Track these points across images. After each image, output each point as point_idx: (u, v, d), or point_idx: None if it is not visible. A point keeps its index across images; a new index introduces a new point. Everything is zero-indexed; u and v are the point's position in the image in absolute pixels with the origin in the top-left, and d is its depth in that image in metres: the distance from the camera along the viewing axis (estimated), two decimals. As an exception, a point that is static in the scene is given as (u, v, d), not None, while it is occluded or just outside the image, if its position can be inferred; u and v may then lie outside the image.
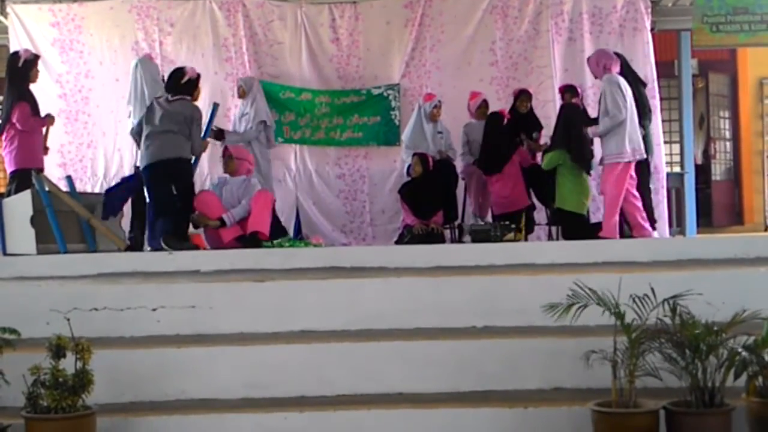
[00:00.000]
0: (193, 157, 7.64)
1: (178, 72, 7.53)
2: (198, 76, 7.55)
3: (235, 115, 9.15)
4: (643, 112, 7.98)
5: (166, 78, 7.76)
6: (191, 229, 7.66)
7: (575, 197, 8.11)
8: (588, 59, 8.14)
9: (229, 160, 7.80)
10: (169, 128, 7.25)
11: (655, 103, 9.35)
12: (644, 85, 8.42)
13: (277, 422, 5.15)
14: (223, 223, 7.40)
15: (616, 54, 8.08)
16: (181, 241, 7.13)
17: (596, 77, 7.98)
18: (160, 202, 7.37)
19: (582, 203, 8.19)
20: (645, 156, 7.71)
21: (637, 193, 7.78)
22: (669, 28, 10.11)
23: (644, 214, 7.78)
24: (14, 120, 7.63)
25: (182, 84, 7.44)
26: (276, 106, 9.40)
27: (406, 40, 9.56)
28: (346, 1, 9.57)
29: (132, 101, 8.25)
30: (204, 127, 7.82)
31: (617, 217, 7.66)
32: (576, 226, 7.98)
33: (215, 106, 8.31)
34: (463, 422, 5.11)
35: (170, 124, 7.26)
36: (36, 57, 8.05)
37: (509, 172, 8.47)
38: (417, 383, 5.39)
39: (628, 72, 8.01)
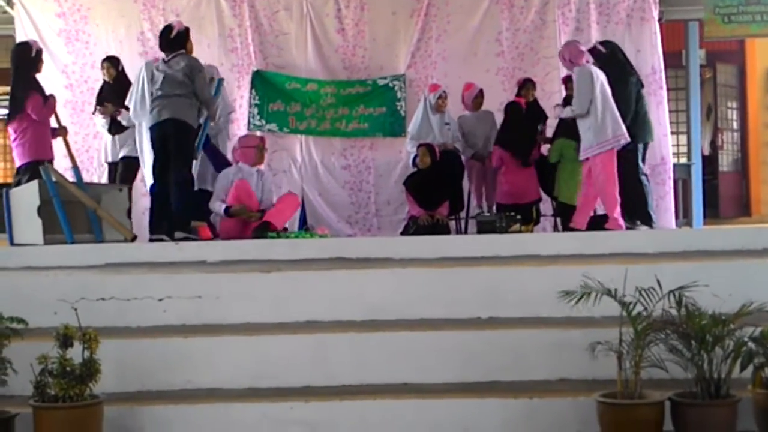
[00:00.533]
0: (205, 115, 7.62)
1: (167, 29, 7.54)
2: (187, 29, 7.53)
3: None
4: (628, 102, 7.86)
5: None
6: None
7: (572, 189, 8.09)
8: (559, 55, 8.11)
9: (261, 151, 7.81)
10: (172, 92, 7.26)
11: (662, 94, 9.34)
12: (636, 76, 8.28)
13: (283, 412, 5.17)
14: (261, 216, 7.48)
15: (607, 43, 8.12)
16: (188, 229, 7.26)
17: (569, 71, 7.94)
18: (161, 163, 7.40)
19: (576, 195, 8.17)
20: (628, 140, 7.59)
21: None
22: (677, 18, 10.07)
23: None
24: (29, 111, 7.64)
25: (173, 39, 7.43)
26: (281, 97, 9.40)
27: (411, 31, 9.53)
28: (352, -8, 9.57)
29: (132, 101, 8.21)
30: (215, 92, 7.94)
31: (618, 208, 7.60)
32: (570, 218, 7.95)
33: (220, 81, 8.29)
34: (469, 413, 5.13)
35: (173, 87, 7.26)
36: (41, 48, 8.08)
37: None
38: (422, 374, 5.40)
39: (614, 61, 7.97)
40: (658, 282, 4.86)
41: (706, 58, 12.64)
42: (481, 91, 8.90)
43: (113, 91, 8.56)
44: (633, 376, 4.74)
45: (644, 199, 7.95)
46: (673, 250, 6.14)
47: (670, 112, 9.67)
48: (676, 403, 4.74)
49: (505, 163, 8.53)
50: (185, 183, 7.37)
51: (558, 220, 8.75)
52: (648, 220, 7.94)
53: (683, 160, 10.78)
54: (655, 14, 9.47)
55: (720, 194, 13.24)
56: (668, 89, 9.62)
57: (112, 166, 8.64)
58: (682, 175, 9.83)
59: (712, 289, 5.09)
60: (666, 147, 9.37)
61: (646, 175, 8.17)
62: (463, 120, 8.95)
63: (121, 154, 8.53)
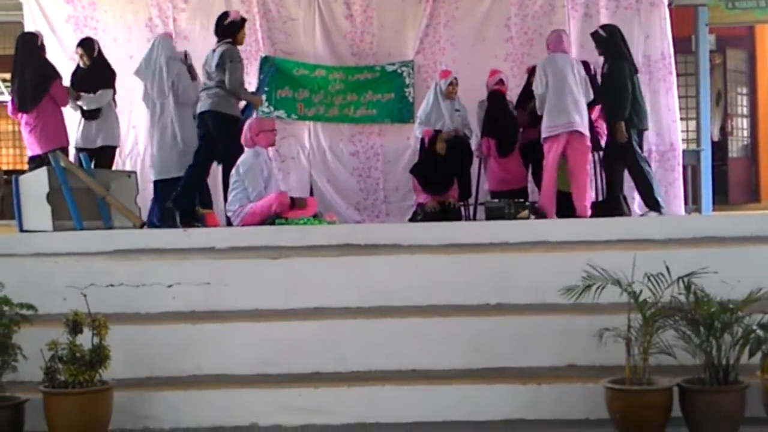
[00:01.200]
0: (243, 105, 7.85)
1: (223, 16, 7.74)
2: (243, 19, 7.75)
3: None
4: (624, 87, 7.84)
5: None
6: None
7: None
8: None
9: (274, 134, 7.82)
10: (207, 83, 7.59)
11: (671, 79, 9.28)
12: (629, 61, 8.27)
13: (292, 398, 5.20)
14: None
15: (607, 26, 8.18)
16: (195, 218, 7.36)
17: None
18: (204, 151, 7.64)
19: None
20: (578, 129, 7.67)
21: (589, 169, 7.84)
22: (686, 3, 10.01)
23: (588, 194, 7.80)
24: (53, 93, 7.76)
25: (225, 26, 7.64)
26: (290, 83, 9.37)
27: (420, 17, 9.48)
28: (360, -22, 9.53)
29: (143, 72, 8.21)
30: (258, 84, 8.17)
31: (550, 193, 7.74)
32: (563, 205, 7.93)
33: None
34: (477, 399, 5.14)
35: (210, 77, 7.55)
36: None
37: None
38: (431, 360, 5.41)
39: (611, 45, 7.97)
40: (667, 268, 4.86)
41: (716, 43, 12.56)
42: (501, 80, 8.83)
43: (88, 76, 8.43)
44: (641, 362, 4.74)
45: (650, 186, 7.94)
46: (682, 237, 6.13)
47: (679, 97, 9.59)
48: (684, 389, 4.74)
49: (492, 151, 8.57)
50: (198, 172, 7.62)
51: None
52: (656, 206, 7.92)
53: (692, 146, 10.72)
54: (665, -1, 9.42)
55: (729, 180, 13.19)
56: (678, 75, 9.55)
57: (83, 153, 8.11)
58: (691, 161, 9.77)
59: (721, 276, 5.09)
60: (675, 133, 9.31)
61: (647, 162, 8.16)
62: (484, 106, 8.92)
63: (99, 143, 8.39)
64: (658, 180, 9.13)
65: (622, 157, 7.91)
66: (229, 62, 7.46)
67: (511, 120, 8.53)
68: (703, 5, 9.88)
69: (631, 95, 7.89)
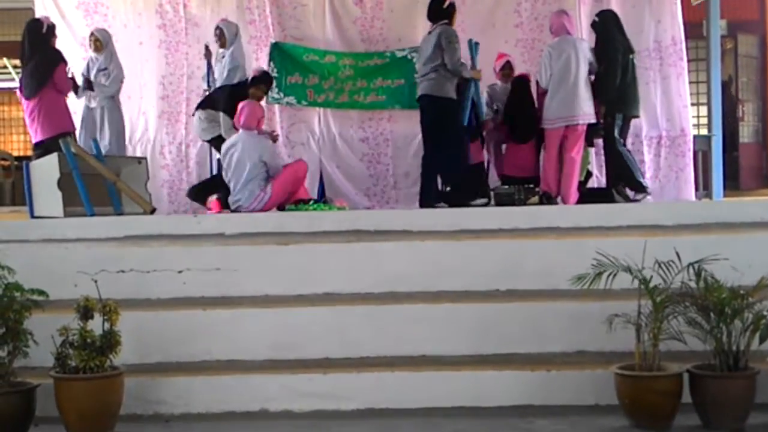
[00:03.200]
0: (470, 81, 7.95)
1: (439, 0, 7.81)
2: (454, 3, 7.84)
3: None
4: (614, 75, 7.79)
5: None
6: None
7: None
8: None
9: None
10: (424, 69, 7.67)
11: (682, 65, 9.25)
12: (625, 48, 8.23)
13: (302, 383, 5.21)
14: None
15: (602, 12, 8.15)
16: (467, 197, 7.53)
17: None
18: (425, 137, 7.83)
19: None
20: (579, 122, 7.67)
21: (577, 152, 7.79)
22: (697, -13, 9.97)
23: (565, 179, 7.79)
24: (56, 80, 7.71)
25: (443, 9, 7.76)
26: (300, 70, 9.36)
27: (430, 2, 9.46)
28: (371, -37, 9.49)
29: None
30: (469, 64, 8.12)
31: (552, 183, 7.76)
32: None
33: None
34: (486, 384, 5.15)
35: (426, 62, 7.64)
36: (53, 24, 8.13)
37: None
38: (440, 346, 5.42)
39: (603, 32, 7.94)
40: (677, 254, 4.85)
41: (727, 28, 12.47)
42: (508, 62, 8.79)
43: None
44: (651, 348, 4.74)
45: (629, 170, 7.92)
46: (692, 223, 6.11)
47: (690, 83, 9.57)
48: (694, 375, 4.74)
49: (509, 136, 8.58)
50: (453, 155, 7.66)
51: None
52: (641, 188, 7.93)
53: (703, 131, 10.67)
54: (676, -16, 9.37)
55: (740, 166, 13.13)
56: (689, 60, 9.51)
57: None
58: (702, 146, 9.74)
59: (732, 262, 5.08)
60: (686, 118, 9.29)
61: (624, 146, 8.10)
62: (492, 90, 8.89)
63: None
64: (668, 166, 9.15)
65: (604, 142, 7.93)
66: (447, 42, 7.57)
67: (532, 108, 8.49)
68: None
69: (621, 81, 7.83)
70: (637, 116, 8.28)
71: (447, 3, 7.77)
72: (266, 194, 7.26)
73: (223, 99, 8.08)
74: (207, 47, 8.57)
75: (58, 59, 7.87)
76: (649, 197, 7.97)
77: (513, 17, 9.34)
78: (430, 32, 7.81)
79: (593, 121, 7.76)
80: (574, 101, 7.63)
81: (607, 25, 7.96)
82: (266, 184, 7.30)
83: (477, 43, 8.46)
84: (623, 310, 4.85)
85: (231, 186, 7.40)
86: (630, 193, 7.90)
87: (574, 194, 7.77)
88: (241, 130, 7.42)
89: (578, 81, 7.67)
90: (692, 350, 4.82)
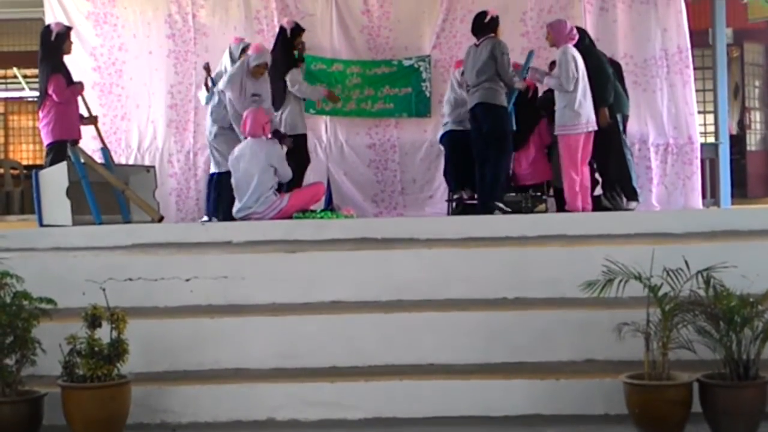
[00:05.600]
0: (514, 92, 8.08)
1: (482, 14, 7.99)
2: (497, 17, 7.99)
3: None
4: (601, 84, 7.80)
5: None
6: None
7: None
8: (550, 25, 8.06)
9: None
10: (479, 79, 7.79)
11: (688, 73, 9.25)
12: (616, 64, 8.35)
13: (309, 392, 5.20)
14: None
15: (579, 29, 8.08)
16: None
17: (556, 46, 7.88)
18: (477, 145, 7.91)
19: None
20: (596, 128, 7.62)
21: (586, 165, 7.70)
22: (703, -5, 9.96)
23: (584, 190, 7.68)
24: (50, 92, 7.65)
25: (486, 24, 7.93)
26: (307, 78, 9.33)
27: (436, 11, 9.46)
28: (377, -27, 9.52)
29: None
30: (523, 67, 8.26)
31: (577, 188, 7.58)
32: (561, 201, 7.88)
33: (529, 53, 8.56)
34: (495, 393, 5.13)
35: (479, 73, 7.77)
36: (68, 29, 8.03)
37: (533, 143, 8.42)
38: (448, 354, 5.41)
39: (589, 49, 7.98)
40: (686, 262, 4.83)
41: (733, 36, 12.46)
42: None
43: None
44: (661, 357, 4.72)
45: (628, 174, 7.91)
46: (700, 230, 6.09)
47: (697, 91, 9.55)
48: (704, 384, 4.71)
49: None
50: (505, 162, 7.86)
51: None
52: (633, 195, 7.92)
53: (711, 139, 10.65)
54: (681, -8, 9.37)
55: (748, 174, 13.10)
56: (695, 68, 9.50)
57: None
58: (709, 154, 9.73)
59: (741, 270, 5.04)
60: (693, 126, 9.28)
61: (629, 149, 8.15)
62: None
63: None
64: (675, 173, 9.13)
65: (608, 143, 7.85)
66: (501, 55, 7.75)
67: (529, 115, 8.46)
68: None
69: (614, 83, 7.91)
70: (628, 115, 8.37)
71: (488, 17, 7.92)
72: (282, 202, 7.26)
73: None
74: (207, 65, 8.54)
75: (51, 70, 7.68)
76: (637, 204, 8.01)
77: (519, 26, 9.35)
78: (477, 45, 7.93)
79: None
80: (590, 106, 7.61)
81: (582, 37, 7.98)
82: (281, 192, 7.32)
83: (532, 52, 8.59)
84: (632, 319, 4.83)
85: (238, 195, 7.37)
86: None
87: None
88: (248, 138, 7.43)
89: (588, 86, 7.65)
90: (702, 359, 4.79)
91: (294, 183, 7.95)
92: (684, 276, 4.82)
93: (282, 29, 8.61)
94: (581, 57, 7.68)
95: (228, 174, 7.62)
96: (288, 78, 8.39)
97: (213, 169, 8.31)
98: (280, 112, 8.42)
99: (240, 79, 7.91)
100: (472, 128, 7.98)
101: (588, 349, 5.34)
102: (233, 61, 8.39)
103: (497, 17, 8.00)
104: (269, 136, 7.61)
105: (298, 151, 8.36)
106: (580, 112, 7.52)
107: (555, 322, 5.41)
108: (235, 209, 7.31)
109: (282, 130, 8.25)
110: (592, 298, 4.95)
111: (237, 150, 7.48)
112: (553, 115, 7.82)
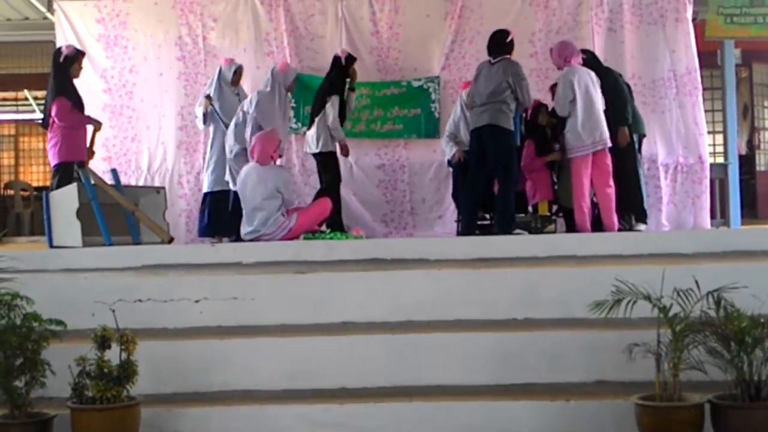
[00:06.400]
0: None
1: (503, 33, 7.86)
2: (513, 39, 7.85)
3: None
4: (619, 104, 7.83)
5: None
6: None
7: (570, 191, 7.93)
8: (551, 50, 8.12)
9: None
10: (491, 99, 7.63)
11: (697, 94, 9.28)
12: (626, 85, 8.30)
13: (319, 413, 5.19)
14: None
15: (586, 51, 8.11)
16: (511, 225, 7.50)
17: (558, 68, 7.91)
18: (476, 166, 7.81)
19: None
20: (608, 145, 7.59)
21: (611, 183, 7.66)
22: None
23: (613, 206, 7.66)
24: (52, 114, 7.68)
25: (506, 43, 7.81)
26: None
27: (445, 33, 9.52)
28: (386, -5, 9.59)
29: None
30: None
31: (586, 210, 7.56)
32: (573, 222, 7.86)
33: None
34: (505, 415, 5.11)
35: (493, 94, 7.62)
36: (78, 52, 8.05)
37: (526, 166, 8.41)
38: (458, 375, 5.39)
39: (606, 69, 8.04)
40: (696, 283, 4.81)
41: (741, 57, 12.49)
42: None
43: None
44: (672, 378, 4.69)
45: (640, 195, 7.91)
46: (711, 251, 6.07)
47: (706, 112, 9.59)
48: (716, 405, 4.68)
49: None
50: (512, 185, 7.65)
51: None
52: (643, 217, 7.90)
53: (720, 159, 10.65)
54: (689, 14, 9.40)
55: (758, 194, 13.07)
56: (704, 89, 9.54)
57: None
58: (719, 174, 9.73)
59: (751, 290, 5.02)
60: (702, 146, 9.30)
61: (642, 169, 8.15)
62: None
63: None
64: (685, 192, 9.14)
65: (624, 164, 7.83)
66: (520, 80, 7.66)
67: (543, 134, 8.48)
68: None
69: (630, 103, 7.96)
70: (645, 134, 8.39)
71: (510, 38, 7.80)
72: (291, 222, 7.24)
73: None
74: (209, 96, 8.59)
75: (56, 93, 7.72)
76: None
77: (527, 47, 9.38)
78: (491, 63, 7.77)
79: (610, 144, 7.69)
80: (600, 125, 7.58)
81: (592, 58, 8.04)
82: (288, 213, 7.31)
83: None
84: (642, 339, 4.81)
85: (247, 219, 7.33)
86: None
87: (615, 221, 7.67)
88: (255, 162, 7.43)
89: (600, 107, 7.63)
90: (713, 380, 4.76)
91: (331, 198, 7.97)
92: (694, 296, 4.80)
93: (336, 57, 8.67)
94: (598, 78, 7.69)
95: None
96: (328, 102, 8.43)
97: (231, 186, 8.31)
98: (308, 128, 8.60)
99: (276, 101, 8.24)
100: (474, 147, 7.82)
101: (599, 370, 5.31)
102: (225, 82, 8.50)
103: (513, 39, 7.86)
104: (276, 162, 7.63)
105: (331, 168, 8.48)
106: (582, 134, 7.53)
107: (565, 343, 5.39)
108: (244, 231, 7.31)
109: (312, 146, 8.48)
110: (603, 318, 4.92)
111: (243, 173, 7.44)
112: (541, 138, 7.98)
